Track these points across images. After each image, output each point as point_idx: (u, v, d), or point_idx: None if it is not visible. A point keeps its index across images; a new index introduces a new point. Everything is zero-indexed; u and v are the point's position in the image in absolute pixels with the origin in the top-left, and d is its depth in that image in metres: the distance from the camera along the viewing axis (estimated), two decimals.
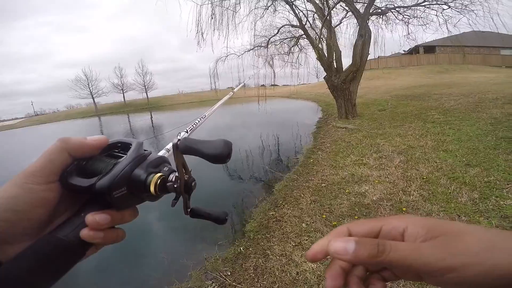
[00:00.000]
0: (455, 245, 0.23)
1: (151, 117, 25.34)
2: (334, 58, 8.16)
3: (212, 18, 7.89)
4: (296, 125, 9.79)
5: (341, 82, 7.91)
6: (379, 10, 8.28)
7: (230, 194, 4.31)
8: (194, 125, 1.13)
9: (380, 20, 8.83)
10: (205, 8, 8.00)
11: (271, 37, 9.31)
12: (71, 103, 70.43)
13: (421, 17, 8.17)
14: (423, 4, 7.72)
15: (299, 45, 9.89)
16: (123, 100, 50.03)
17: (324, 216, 2.89)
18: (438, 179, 3.32)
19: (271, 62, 9.81)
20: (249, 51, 9.41)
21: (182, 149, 0.34)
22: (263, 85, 10.29)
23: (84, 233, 0.30)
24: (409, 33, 8.59)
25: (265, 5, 8.46)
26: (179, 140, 0.35)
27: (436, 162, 3.85)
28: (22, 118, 62.07)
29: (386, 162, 4.15)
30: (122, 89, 48.74)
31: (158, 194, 0.34)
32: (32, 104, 77.29)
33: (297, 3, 8.43)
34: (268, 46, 9.36)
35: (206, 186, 4.54)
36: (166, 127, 17.03)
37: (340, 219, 2.81)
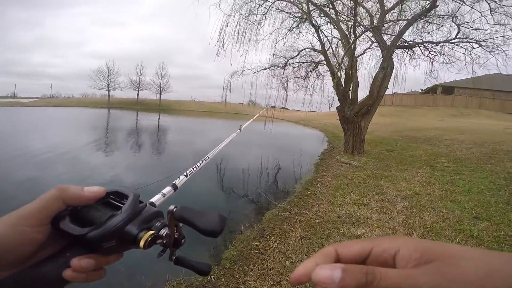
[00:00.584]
0: (451, 271, 0.22)
1: (159, 119, 25.43)
2: (351, 88, 8.01)
3: (236, 30, 7.96)
4: (299, 152, 9.55)
5: (354, 115, 7.71)
6: (406, 44, 8.17)
7: (218, 208, 4.02)
8: (194, 168, 1.00)
9: (405, 54, 8.74)
10: (231, 19, 8.05)
11: (290, 59, 9.23)
12: (87, 91, 71.82)
13: (448, 55, 8.07)
14: (453, 41, 7.59)
15: (317, 71, 9.83)
16: (136, 97, 50.89)
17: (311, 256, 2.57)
18: (443, 229, 3.17)
19: (285, 84, 9.74)
20: (265, 69, 9.34)
21: (177, 217, 0.35)
22: (273, 106, 10.16)
23: (67, 273, 0.31)
24: (432, 71, 8.45)
25: (290, 26, 8.49)
26: (175, 208, 0.35)
27: (442, 212, 3.69)
28: (37, 98, 63.23)
29: (388, 206, 3.95)
30: (138, 87, 49.77)
31: (146, 248, 0.34)
32: (50, 87, 79.60)
33: (323, 28, 8.45)
34: (286, 67, 9.29)
35: (195, 190, 4.33)
36: (171, 132, 16.97)
37: None
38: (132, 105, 46.29)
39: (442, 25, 7.70)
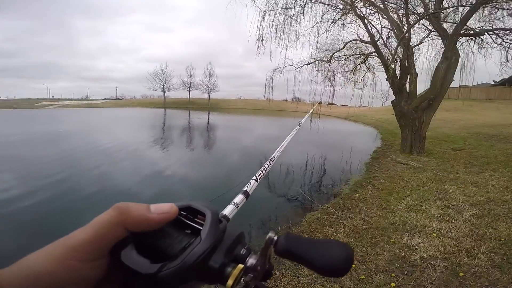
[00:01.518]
0: None
1: (208, 117, 26.67)
2: (408, 80, 7.29)
3: (273, 25, 7.80)
4: (348, 150, 8.98)
5: (412, 110, 6.97)
6: (472, 32, 7.13)
7: (257, 204, 4.02)
8: (263, 171, 0.97)
9: (472, 43, 7.59)
10: (267, 15, 7.89)
11: (335, 52, 8.69)
12: (146, 93, 79.08)
13: None
14: None
15: (367, 63, 9.12)
16: (187, 97, 54.27)
17: (353, 265, 2.37)
18: None
19: (331, 78, 9.24)
20: (308, 64, 8.93)
21: (280, 251, 0.28)
22: (319, 102, 9.74)
23: None
24: (508, 60, 7.16)
25: (333, 18, 8.00)
26: (278, 237, 0.28)
27: None
28: (106, 99, 71.93)
29: (452, 214, 3.49)
30: (189, 87, 53.01)
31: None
32: (116, 89, 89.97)
33: (370, 18, 7.79)
34: (331, 61, 8.80)
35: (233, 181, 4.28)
36: (220, 129, 17.62)
37: (372, 273, 2.32)
38: (184, 105, 49.68)
39: None
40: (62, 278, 0.23)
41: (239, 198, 0.71)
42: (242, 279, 0.28)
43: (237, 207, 0.66)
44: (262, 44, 8.16)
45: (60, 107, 44.61)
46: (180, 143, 11.03)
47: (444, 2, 6.89)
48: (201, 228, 0.28)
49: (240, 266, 0.27)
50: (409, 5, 6.69)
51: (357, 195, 4.33)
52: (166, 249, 0.27)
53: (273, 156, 1.00)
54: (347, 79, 9.40)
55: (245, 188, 0.80)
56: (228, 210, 0.63)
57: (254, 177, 0.86)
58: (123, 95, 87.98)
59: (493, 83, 26.60)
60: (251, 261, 0.29)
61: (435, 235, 2.94)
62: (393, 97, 7.65)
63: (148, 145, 9.76)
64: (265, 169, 0.92)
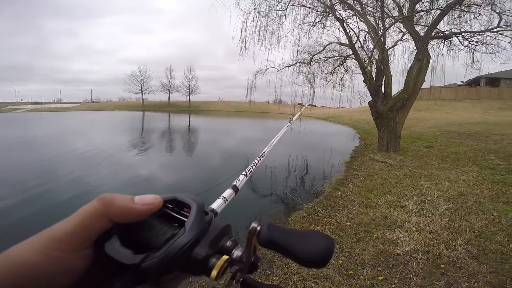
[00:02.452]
0: None
1: (189, 120, 26.25)
2: (384, 82, 7.59)
3: (257, 28, 7.89)
4: (328, 150, 9.18)
5: (388, 110, 7.26)
6: (442, 34, 7.59)
7: (242, 204, 4.00)
8: (253, 166, 0.94)
9: (442, 45, 8.10)
10: (251, 17, 7.98)
11: (315, 54, 8.91)
12: (123, 95, 76.36)
13: (491, 44, 7.31)
14: (495, 30, 6.87)
15: (345, 66, 9.41)
16: (167, 99, 53.14)
17: (340, 261, 2.48)
18: (494, 234, 2.89)
19: (312, 80, 9.43)
20: (289, 66, 9.09)
21: (263, 241, 0.28)
22: (300, 104, 9.89)
23: None
24: (474, 62, 7.68)
25: (313, 21, 8.19)
26: (261, 227, 0.28)
27: (493, 215, 3.34)
28: (80, 103, 68.75)
29: (429, 208, 3.63)
30: (168, 90, 51.95)
31: (218, 280, 0.27)
32: (91, 92, 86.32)
33: (348, 21, 8.07)
34: (311, 63, 8.99)
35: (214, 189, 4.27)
36: (202, 132, 17.38)
37: (359, 268, 2.39)
38: (164, 107, 48.55)
39: (480, 14, 7.00)
40: (46, 269, 0.23)
41: (228, 193, 0.69)
42: (228, 271, 0.28)
43: (225, 201, 0.64)
44: (245, 46, 8.23)
45: (29, 110, 42.07)
46: (160, 146, 10.75)
47: (417, 6, 7.28)
48: (186, 220, 0.28)
49: (225, 257, 0.27)
50: (385, 9, 6.97)
51: (339, 193, 4.43)
52: (150, 240, 0.27)
53: (263, 152, 0.99)
54: (326, 81, 9.65)
55: (234, 183, 0.78)
56: (216, 204, 0.62)
57: (244, 172, 0.84)
58: (98, 98, 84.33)
59: (460, 83, 28.43)
60: (236, 253, 0.28)
61: (415, 229, 3.05)
62: (370, 98, 7.90)
63: (125, 149, 9.42)
64: (255, 164, 0.91)
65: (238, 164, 6.69)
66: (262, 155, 0.94)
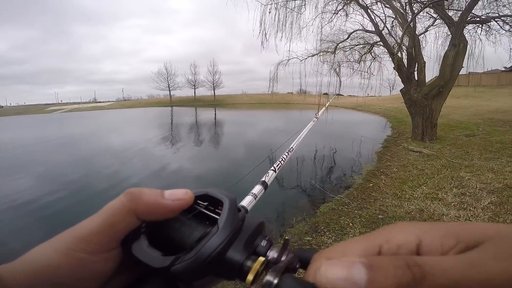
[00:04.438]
0: None
1: (215, 114, 26.72)
2: (416, 69, 7.15)
3: (275, 19, 7.75)
4: (358, 140, 8.87)
5: (422, 97, 6.85)
6: (478, 19, 6.97)
7: (267, 196, 4.02)
8: (282, 161, 0.95)
9: (479, 30, 7.43)
10: (268, 9, 7.83)
11: (339, 43, 8.58)
12: (152, 93, 79.93)
13: None
14: None
15: (372, 53, 8.97)
16: (193, 94, 54.54)
17: None
18: None
19: (337, 69, 9.12)
20: (313, 56, 8.85)
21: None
22: (325, 93, 9.63)
23: None
24: None
25: (335, 9, 7.85)
26: (278, 282, 0.21)
27: None
28: (113, 101, 72.84)
29: (470, 201, 3.39)
30: (194, 85, 53.24)
31: (254, 284, 0.23)
32: (122, 91, 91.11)
33: (373, 7, 7.66)
34: (336, 52, 8.67)
35: (239, 174, 4.34)
36: (227, 124, 17.64)
37: None
38: (191, 102, 50.06)
39: None
40: (68, 272, 0.21)
41: (257, 189, 0.68)
42: (264, 274, 0.24)
43: (255, 198, 0.63)
44: (266, 38, 8.13)
45: (69, 111, 45.40)
46: (189, 139, 11.10)
47: None
48: (218, 217, 0.26)
49: (261, 259, 0.24)
50: None
51: (371, 185, 4.29)
52: (181, 240, 0.25)
53: (291, 147, 0.98)
54: (353, 69, 9.28)
55: (263, 179, 0.78)
56: (246, 201, 0.60)
57: (273, 168, 0.83)
58: (129, 96, 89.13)
59: (503, 69, 25.91)
60: (272, 254, 0.25)
61: None
62: (401, 86, 7.50)
63: (156, 143, 9.86)
64: (284, 159, 0.91)
65: (263, 156, 6.73)
66: (290, 150, 0.93)
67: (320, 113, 1.58)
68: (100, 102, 75.00)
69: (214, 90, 53.43)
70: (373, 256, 0.16)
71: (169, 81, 52.33)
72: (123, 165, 6.81)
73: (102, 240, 0.22)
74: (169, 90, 53.45)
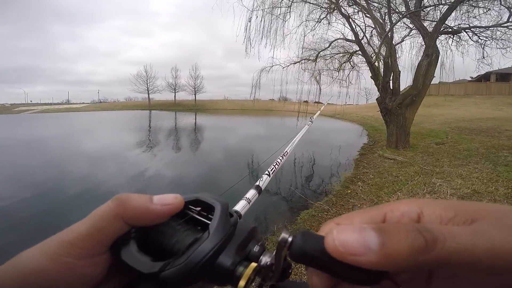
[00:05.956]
0: None
1: (195, 118, 26.38)
2: (392, 78, 7.47)
3: (261, 25, 7.88)
4: (337, 147, 9.08)
5: (396, 106, 7.14)
6: (450, 30, 7.43)
7: (252, 204, 3.98)
8: (276, 165, 0.91)
9: (450, 41, 7.97)
10: (254, 15, 7.95)
11: (321, 51, 8.83)
12: (129, 95, 77.64)
13: (502, 39, 7.12)
14: (505, 25, 6.66)
15: (351, 62, 9.30)
16: (173, 99, 53.58)
17: None
18: None
19: (318, 77, 9.34)
20: (295, 63, 9.04)
21: (295, 256, 0.21)
22: (305, 101, 9.82)
23: None
24: (484, 57, 7.50)
25: (318, 17, 8.09)
26: (293, 237, 0.21)
27: None
28: (88, 103, 69.86)
29: None
30: (174, 89, 52.35)
31: None
32: (98, 92, 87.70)
33: (354, 17, 7.98)
34: (317, 60, 8.90)
35: (224, 182, 4.28)
36: (208, 130, 17.44)
37: None
38: (170, 107, 49.00)
39: (489, 9, 6.81)
40: (56, 276, 0.21)
41: (251, 193, 0.66)
42: (256, 279, 0.25)
43: (249, 203, 0.61)
44: (250, 44, 8.18)
45: (39, 112, 42.88)
46: (167, 145, 10.82)
47: (425, 1, 7.13)
48: (209, 222, 0.25)
49: (253, 264, 0.24)
50: (391, 4, 6.86)
51: (349, 191, 4.37)
52: (171, 246, 0.24)
53: (286, 151, 0.97)
54: (332, 77, 9.55)
55: (257, 183, 0.74)
56: (240, 206, 0.58)
57: (267, 172, 0.81)
58: (105, 98, 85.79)
59: (470, 79, 27.92)
60: (265, 259, 0.25)
61: None
62: (377, 95, 7.81)
63: (133, 147, 9.51)
64: (278, 163, 0.88)
65: (244, 162, 6.67)
66: (285, 155, 0.91)
67: (315, 117, 1.58)
68: (74, 103, 71.66)
69: (195, 94, 52.89)
70: (382, 223, 0.17)
71: (148, 84, 51.18)
72: (93, 169, 6.47)
73: (89, 245, 0.22)
74: (148, 93, 52.24)
